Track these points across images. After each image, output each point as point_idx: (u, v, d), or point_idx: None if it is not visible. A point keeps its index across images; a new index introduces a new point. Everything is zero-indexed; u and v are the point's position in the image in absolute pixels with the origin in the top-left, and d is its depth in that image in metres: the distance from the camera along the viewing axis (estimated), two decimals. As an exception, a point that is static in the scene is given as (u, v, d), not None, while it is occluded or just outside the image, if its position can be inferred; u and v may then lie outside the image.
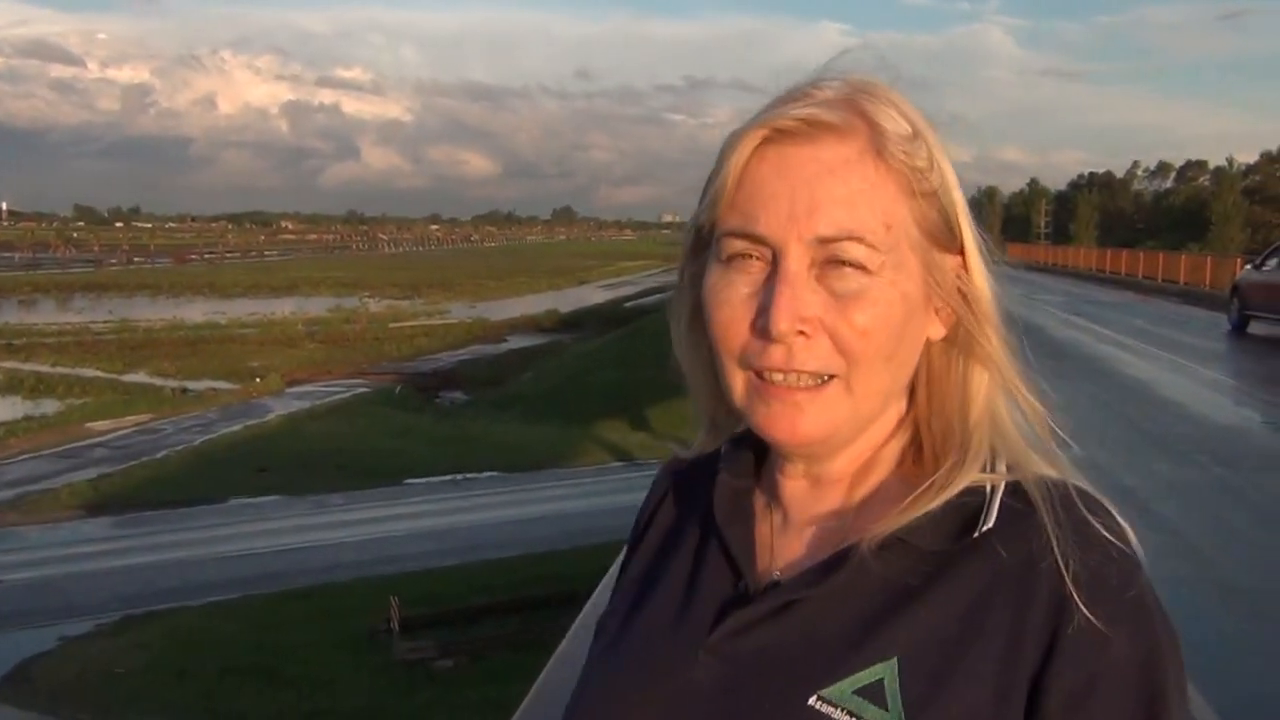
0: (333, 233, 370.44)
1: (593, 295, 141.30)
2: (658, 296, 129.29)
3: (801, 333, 1.31)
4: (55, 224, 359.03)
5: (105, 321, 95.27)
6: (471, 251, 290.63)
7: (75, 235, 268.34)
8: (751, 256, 1.36)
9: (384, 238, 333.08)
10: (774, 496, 1.53)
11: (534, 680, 17.87)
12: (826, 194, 1.30)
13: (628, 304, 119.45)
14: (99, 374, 65.33)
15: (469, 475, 41.31)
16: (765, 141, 1.37)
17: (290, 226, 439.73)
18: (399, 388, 62.32)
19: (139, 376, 64.88)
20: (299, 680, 22.38)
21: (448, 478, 40.81)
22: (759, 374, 1.37)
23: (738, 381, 1.42)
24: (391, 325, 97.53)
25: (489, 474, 41.90)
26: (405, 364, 73.98)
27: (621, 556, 1.79)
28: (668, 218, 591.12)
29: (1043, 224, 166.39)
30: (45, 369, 66.48)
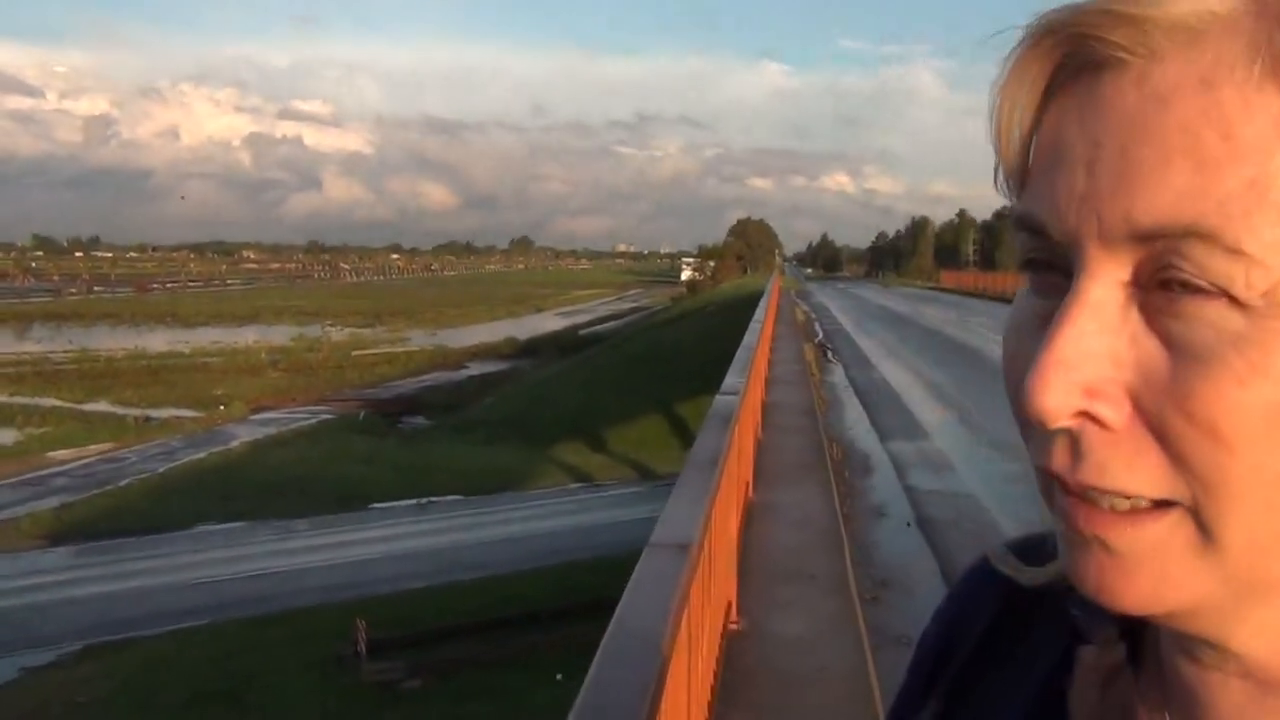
0: (295, 262, 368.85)
1: (549, 323, 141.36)
2: (612, 324, 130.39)
3: (1089, 415, 0.65)
4: (13, 253, 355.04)
5: (65, 351, 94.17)
6: (432, 281, 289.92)
7: (34, 264, 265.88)
8: (1045, 265, 0.71)
9: (346, 267, 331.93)
10: (1176, 695, 0.79)
11: (502, 698, 17.65)
12: (1153, 146, 0.65)
13: (582, 331, 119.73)
14: (59, 403, 64.52)
15: (433, 499, 41.08)
16: (1062, 68, 0.70)
17: (252, 256, 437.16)
18: (363, 414, 62.02)
19: (101, 405, 64.14)
20: (266, 704, 22.13)
21: (413, 502, 40.56)
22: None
23: (1038, 475, 0.74)
24: (354, 353, 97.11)
25: (453, 497, 41.70)
26: (368, 390, 73.67)
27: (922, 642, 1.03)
28: (621, 247, 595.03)
29: (970, 252, 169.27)
30: (3, 399, 65.52)
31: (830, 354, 26.68)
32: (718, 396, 6.91)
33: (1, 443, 51.17)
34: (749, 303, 69.03)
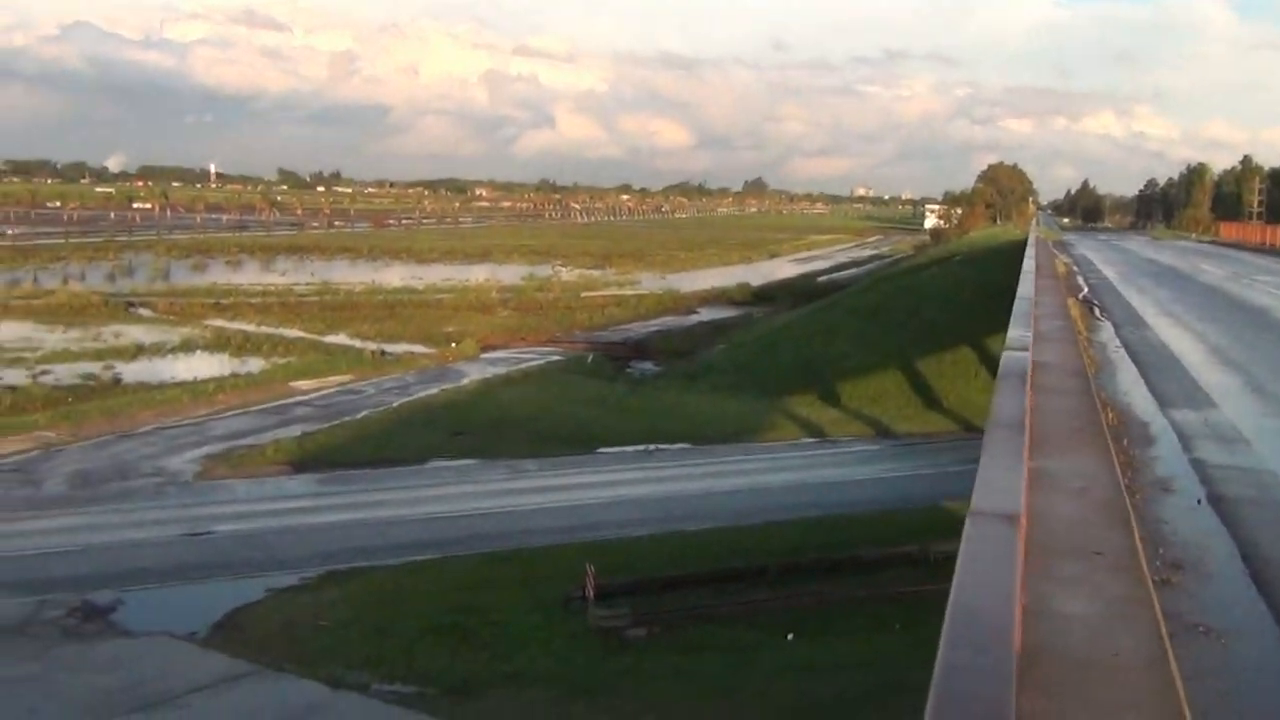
0: (526, 200, 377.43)
1: (784, 269, 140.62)
2: (850, 271, 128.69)
3: None
4: (260, 187, 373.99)
5: (308, 283, 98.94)
6: (663, 222, 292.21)
7: (279, 199, 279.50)
8: None
9: (576, 206, 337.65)
10: None
11: (730, 653, 17.69)
12: None
13: (820, 279, 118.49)
14: (302, 334, 67.96)
15: (661, 446, 41.54)
16: None
17: (485, 194, 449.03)
18: (591, 356, 63.08)
19: (340, 338, 67.24)
20: (494, 642, 22.84)
21: (640, 448, 41.10)
22: None
23: None
24: (583, 294, 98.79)
25: (680, 445, 42.05)
26: (597, 333, 74.88)
27: None
28: (860, 191, 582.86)
29: (1255, 203, 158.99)
30: (251, 328, 69.43)
31: (1097, 310, 25.51)
32: (1006, 353, 6.61)
33: (250, 370, 54.33)
34: (1000, 254, 67.06)
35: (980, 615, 2.39)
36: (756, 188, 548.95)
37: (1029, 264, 29.70)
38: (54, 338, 62.58)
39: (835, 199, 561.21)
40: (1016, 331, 7.98)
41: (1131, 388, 14.25)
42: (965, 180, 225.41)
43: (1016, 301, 10.51)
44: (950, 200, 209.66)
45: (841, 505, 34.80)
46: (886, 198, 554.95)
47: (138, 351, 58.77)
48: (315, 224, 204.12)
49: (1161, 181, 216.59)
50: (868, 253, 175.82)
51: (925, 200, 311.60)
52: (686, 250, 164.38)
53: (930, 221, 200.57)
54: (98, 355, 57.04)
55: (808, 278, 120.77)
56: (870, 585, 26.86)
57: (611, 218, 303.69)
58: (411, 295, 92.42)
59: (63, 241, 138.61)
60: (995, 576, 2.68)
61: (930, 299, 63.15)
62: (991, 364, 51.13)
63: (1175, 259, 63.95)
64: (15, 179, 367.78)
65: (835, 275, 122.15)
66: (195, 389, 47.85)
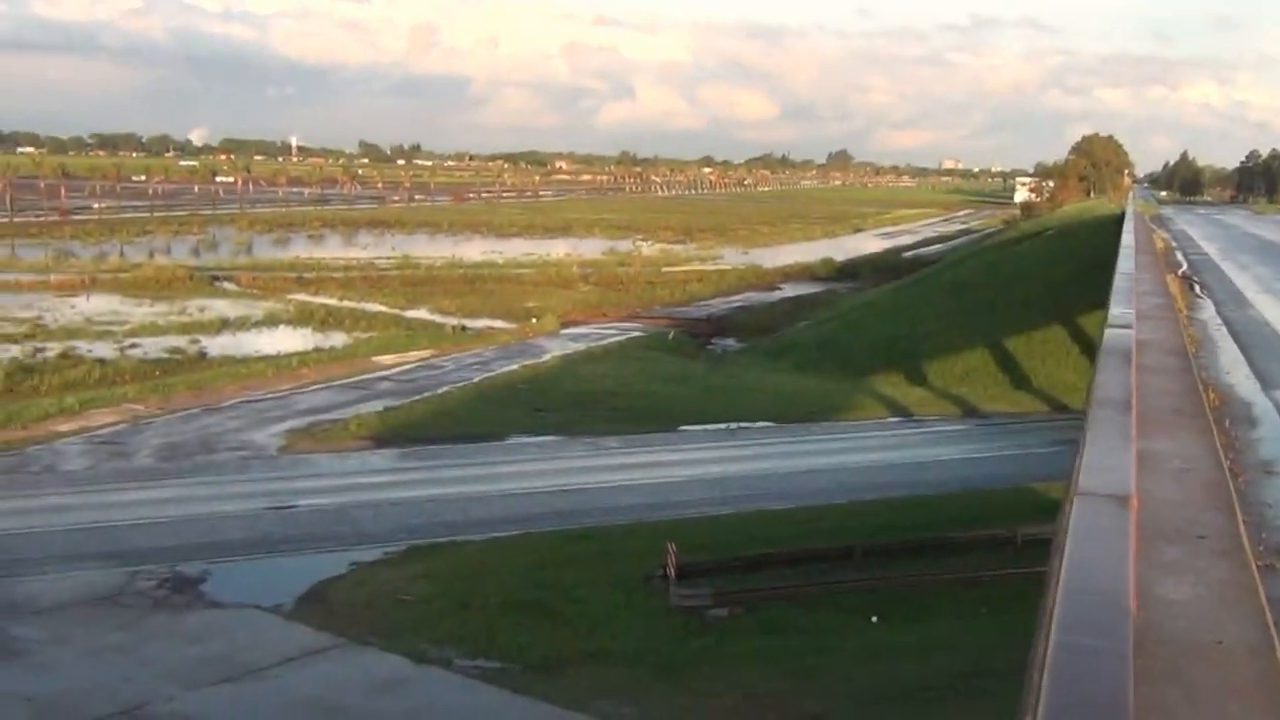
0: (606, 173, 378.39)
1: (869, 243, 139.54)
2: (937, 246, 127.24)
3: None
4: (341, 160, 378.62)
5: (389, 258, 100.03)
6: (745, 196, 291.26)
7: (360, 172, 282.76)
8: None
9: (657, 180, 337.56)
10: None
11: (811, 636, 17.66)
12: None
13: (906, 254, 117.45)
14: (383, 309, 68.76)
15: (743, 424, 41.53)
16: None
17: (565, 166, 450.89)
18: (672, 333, 63.16)
19: (420, 313, 67.98)
20: (576, 619, 23.06)
21: (723, 426, 41.12)
22: None
23: None
24: (664, 269, 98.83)
25: (763, 423, 42.01)
26: (678, 309, 74.85)
27: None
28: (948, 164, 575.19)
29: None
30: (333, 302, 70.43)
31: (1197, 287, 25.04)
32: (1109, 331, 6.56)
33: (333, 345, 55.18)
34: (1095, 228, 65.95)
35: (1094, 597, 2.42)
36: (841, 160, 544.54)
37: (1127, 239, 29.20)
38: (141, 311, 64.02)
39: (922, 172, 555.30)
40: (1118, 309, 7.89)
41: (1233, 367, 13.99)
42: (1058, 152, 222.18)
43: (1116, 278, 10.37)
44: (1042, 173, 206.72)
45: (927, 486, 34.60)
46: (975, 170, 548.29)
47: (222, 325, 59.94)
48: (396, 198, 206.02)
49: (1264, 153, 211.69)
50: (955, 227, 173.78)
51: (1015, 173, 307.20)
52: (769, 224, 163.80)
53: (1021, 195, 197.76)
54: (183, 329, 58.25)
55: (893, 253, 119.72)
56: (957, 568, 26.71)
57: (693, 191, 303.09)
58: (492, 270, 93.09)
59: (148, 215, 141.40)
60: (1108, 558, 2.70)
61: (1021, 275, 62.33)
62: (1084, 343, 50.44)
63: (1278, 234, 62.54)
64: (101, 153, 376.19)
65: (922, 250, 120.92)
66: (279, 363, 48.71)
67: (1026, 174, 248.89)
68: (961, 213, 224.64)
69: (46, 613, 22.52)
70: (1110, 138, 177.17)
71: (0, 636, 21.32)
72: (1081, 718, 2.05)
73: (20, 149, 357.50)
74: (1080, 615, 2.30)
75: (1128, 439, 3.98)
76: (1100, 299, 18.15)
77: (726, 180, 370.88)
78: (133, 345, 53.11)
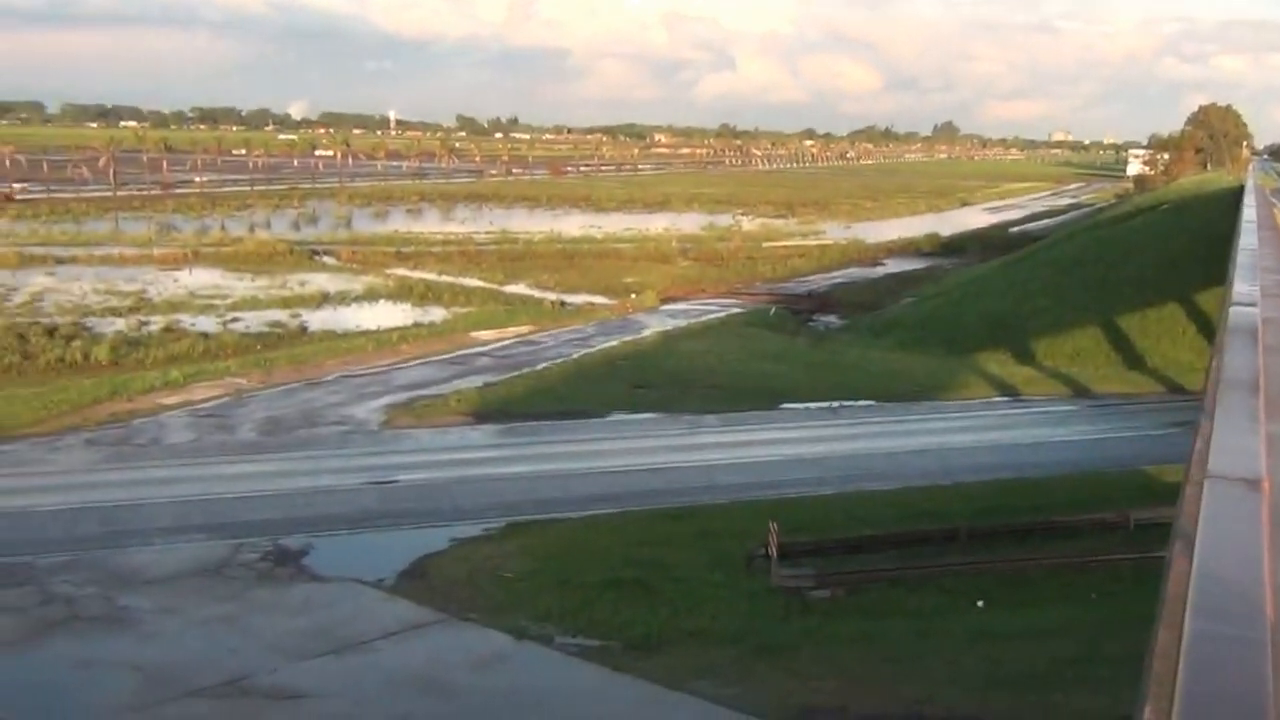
0: (706, 146, 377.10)
1: (975, 218, 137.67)
2: (1046, 221, 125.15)
3: None
4: (439, 134, 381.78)
5: (487, 232, 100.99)
6: (847, 169, 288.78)
7: (457, 145, 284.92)
8: None
9: (757, 153, 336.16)
10: None
11: (916, 619, 17.52)
12: None
13: (1014, 229, 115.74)
14: (481, 284, 69.53)
15: (846, 403, 41.30)
16: None
17: (663, 139, 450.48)
18: (773, 309, 62.93)
19: (519, 288, 68.60)
20: (676, 598, 23.17)
21: (824, 404, 40.95)
22: None
23: None
24: (765, 244, 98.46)
25: (865, 402, 41.74)
26: (779, 285, 74.62)
27: None
28: (1057, 135, 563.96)
29: None
30: (432, 277, 71.26)
31: (1323, 266, 24.45)
32: (1233, 309, 6.46)
33: (431, 320, 55.94)
34: (1213, 202, 64.44)
35: (1227, 584, 2.44)
36: (946, 132, 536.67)
37: (1249, 213, 28.45)
38: (242, 285, 65.40)
39: (1030, 144, 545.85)
40: (1241, 286, 7.76)
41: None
42: (1173, 123, 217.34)
43: (1238, 254, 10.17)
44: (1156, 145, 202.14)
45: (1035, 467, 34.16)
46: (1086, 143, 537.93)
47: (322, 300, 61.03)
48: (494, 171, 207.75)
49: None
50: (1065, 201, 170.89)
51: (1128, 145, 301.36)
52: (872, 199, 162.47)
53: (1134, 168, 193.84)
54: (284, 303, 59.42)
55: (1001, 228, 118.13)
56: (1065, 552, 26.36)
57: (794, 164, 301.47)
58: (590, 245, 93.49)
59: (248, 189, 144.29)
60: (1241, 543, 2.71)
61: (1134, 251, 61.09)
62: (1202, 321, 49.40)
63: None
64: (203, 126, 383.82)
65: (1030, 225, 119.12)
66: (379, 338, 49.53)
67: (1139, 146, 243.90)
68: (1071, 186, 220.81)
69: (155, 583, 23.21)
70: (1228, 108, 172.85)
71: (110, 606, 22.02)
72: (1220, 706, 2.07)
73: (123, 123, 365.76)
74: (1214, 602, 2.32)
75: (1256, 421, 3.95)
76: (1219, 276, 17.77)
77: (828, 153, 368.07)
78: (234, 319, 54.35)
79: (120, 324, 52.07)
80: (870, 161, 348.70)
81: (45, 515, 26.74)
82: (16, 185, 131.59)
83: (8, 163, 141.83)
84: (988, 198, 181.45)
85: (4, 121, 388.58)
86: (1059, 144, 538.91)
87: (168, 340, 48.11)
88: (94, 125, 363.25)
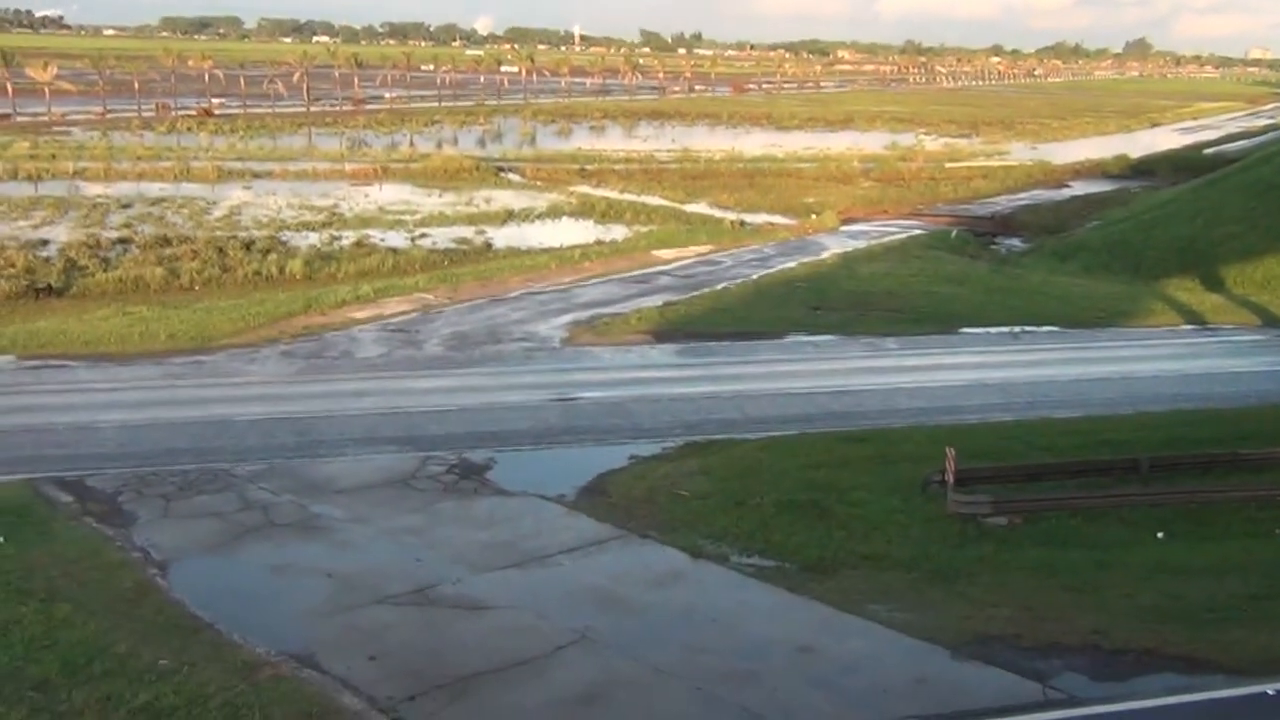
0: (889, 64, 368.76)
1: (1166, 139, 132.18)
2: (1241, 143, 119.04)
3: None
4: (622, 49, 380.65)
5: (668, 150, 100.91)
6: (1034, 87, 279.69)
7: (641, 61, 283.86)
8: None
9: (942, 70, 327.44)
10: None
11: (1095, 549, 17.17)
12: None
13: (1207, 150, 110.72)
14: (663, 202, 69.68)
15: (1028, 328, 40.36)
16: None
17: (847, 56, 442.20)
18: (955, 231, 61.57)
19: (700, 207, 68.51)
20: (851, 522, 23.11)
21: (1006, 329, 40.08)
22: None
23: None
24: (948, 165, 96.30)
25: (1048, 328, 40.73)
26: (961, 206, 73.03)
27: None
28: (1255, 53, 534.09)
29: None
30: (614, 195, 71.68)
31: None
32: None
33: (613, 238, 56.38)
34: None
35: None
36: (1139, 49, 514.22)
37: None
38: (430, 201, 66.86)
39: (1226, 61, 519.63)
40: None
41: None
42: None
43: None
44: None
45: (1222, 398, 32.97)
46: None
47: (507, 217, 61.99)
48: (676, 88, 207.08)
49: None
50: (1262, 122, 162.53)
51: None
52: (1059, 118, 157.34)
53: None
54: (470, 220, 60.56)
55: (1193, 149, 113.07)
56: (1250, 486, 25.43)
57: (980, 82, 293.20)
58: (771, 164, 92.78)
59: (436, 105, 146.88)
60: None
61: (1340, 175, 57.91)
62: None
63: None
64: (391, 41, 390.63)
65: (1224, 147, 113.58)
66: (562, 255, 50.13)
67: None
68: (1268, 106, 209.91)
69: (346, 493, 24.11)
70: None
71: (304, 514, 22.95)
72: None
73: (316, 38, 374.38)
74: None
75: None
76: None
77: (1015, 70, 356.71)
78: (422, 235, 55.66)
79: (314, 238, 53.79)
80: (1058, 79, 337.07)
81: (244, 424, 27.91)
82: (215, 100, 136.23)
83: (207, 77, 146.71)
84: (1180, 118, 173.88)
85: (203, 36, 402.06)
86: (1256, 62, 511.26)
87: (359, 255, 49.54)
88: (288, 40, 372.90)
